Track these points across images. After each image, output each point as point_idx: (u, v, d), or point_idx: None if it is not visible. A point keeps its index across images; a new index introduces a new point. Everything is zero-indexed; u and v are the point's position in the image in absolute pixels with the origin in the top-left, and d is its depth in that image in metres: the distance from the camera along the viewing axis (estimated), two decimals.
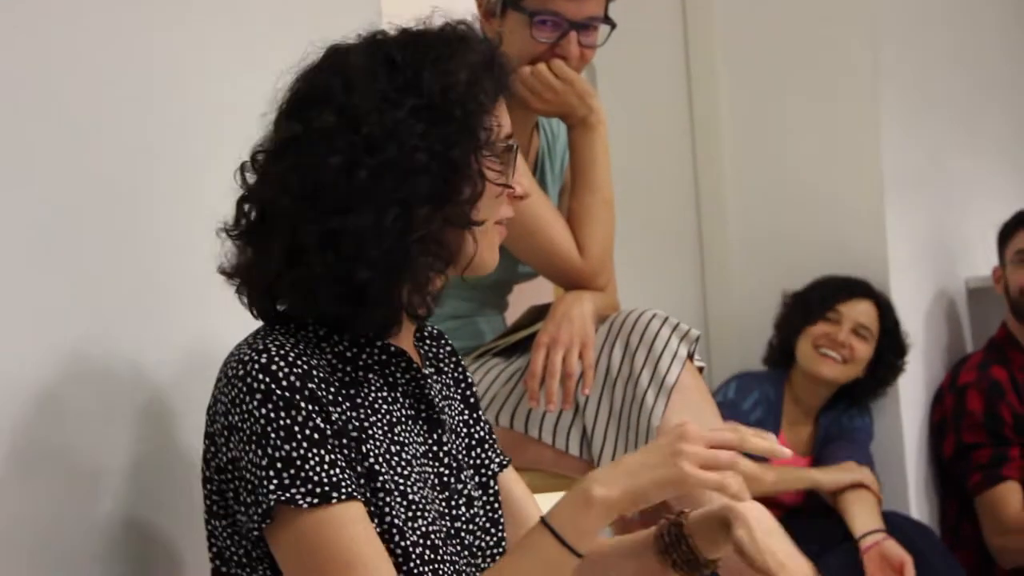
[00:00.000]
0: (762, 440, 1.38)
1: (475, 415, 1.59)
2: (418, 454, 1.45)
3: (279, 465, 1.31)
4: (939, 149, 3.68)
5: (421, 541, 1.40)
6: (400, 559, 1.37)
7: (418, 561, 1.39)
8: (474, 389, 1.61)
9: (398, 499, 1.39)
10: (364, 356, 1.43)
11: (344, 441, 1.35)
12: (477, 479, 1.54)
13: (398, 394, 1.45)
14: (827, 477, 3.08)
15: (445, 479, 1.48)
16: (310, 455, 1.32)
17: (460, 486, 1.49)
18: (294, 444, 1.31)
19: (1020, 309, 3.44)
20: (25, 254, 1.47)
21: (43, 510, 1.48)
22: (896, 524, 2.99)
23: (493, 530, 1.53)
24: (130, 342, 1.63)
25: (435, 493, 1.45)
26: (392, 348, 1.44)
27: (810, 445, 3.26)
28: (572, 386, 1.97)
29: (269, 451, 1.31)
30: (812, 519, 3.07)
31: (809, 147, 3.50)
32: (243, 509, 1.35)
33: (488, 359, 2.11)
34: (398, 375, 1.45)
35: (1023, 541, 3.24)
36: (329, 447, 1.33)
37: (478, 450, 1.57)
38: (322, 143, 1.35)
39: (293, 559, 1.33)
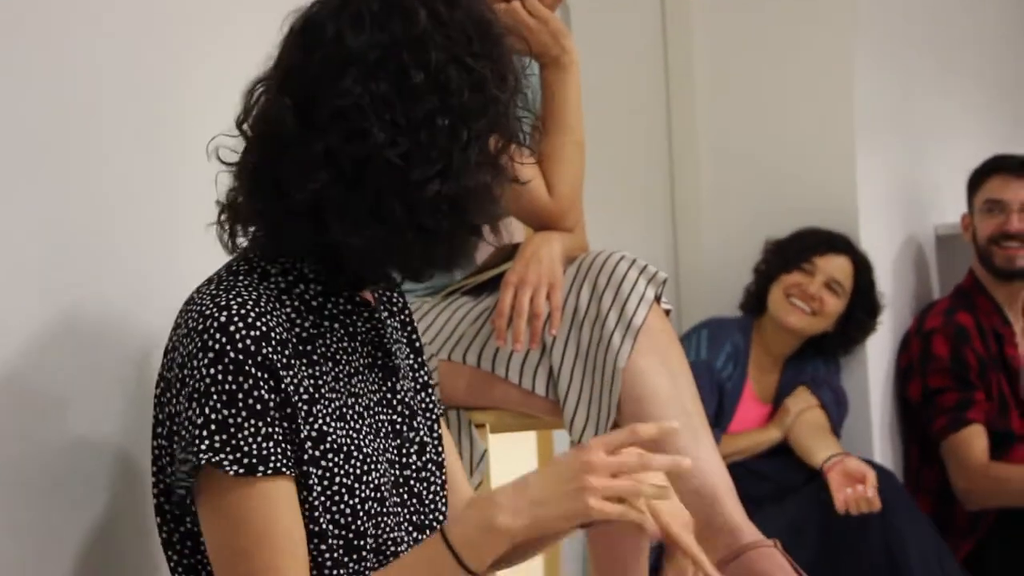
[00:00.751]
0: (664, 458, 1.39)
1: (419, 360, 1.60)
2: (371, 403, 1.46)
3: (213, 427, 1.32)
4: (912, 93, 3.69)
5: (372, 495, 1.41)
6: (349, 518, 1.39)
7: (365, 517, 1.40)
8: (418, 334, 1.62)
9: (354, 453, 1.40)
10: (329, 305, 1.43)
11: (288, 411, 1.35)
12: (427, 423, 1.55)
13: (357, 343, 1.46)
14: (777, 428, 3.14)
15: (397, 427, 1.49)
16: (247, 424, 1.32)
17: (412, 433, 1.50)
18: (234, 411, 1.32)
19: (987, 257, 3.47)
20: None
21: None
22: None
23: (439, 472, 1.54)
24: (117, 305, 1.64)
25: (387, 442, 1.47)
26: (357, 299, 1.45)
27: (774, 392, 3.29)
28: (539, 326, 1.97)
29: (207, 412, 1.32)
30: (772, 459, 3.13)
31: (782, 91, 3.50)
32: (176, 461, 1.37)
33: (457, 298, 2.11)
34: (359, 324, 1.46)
35: (988, 484, 3.28)
36: (268, 419, 1.33)
37: (422, 394, 1.57)
38: (419, 103, 1.33)
39: (212, 523, 1.35)
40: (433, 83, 1.33)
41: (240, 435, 1.32)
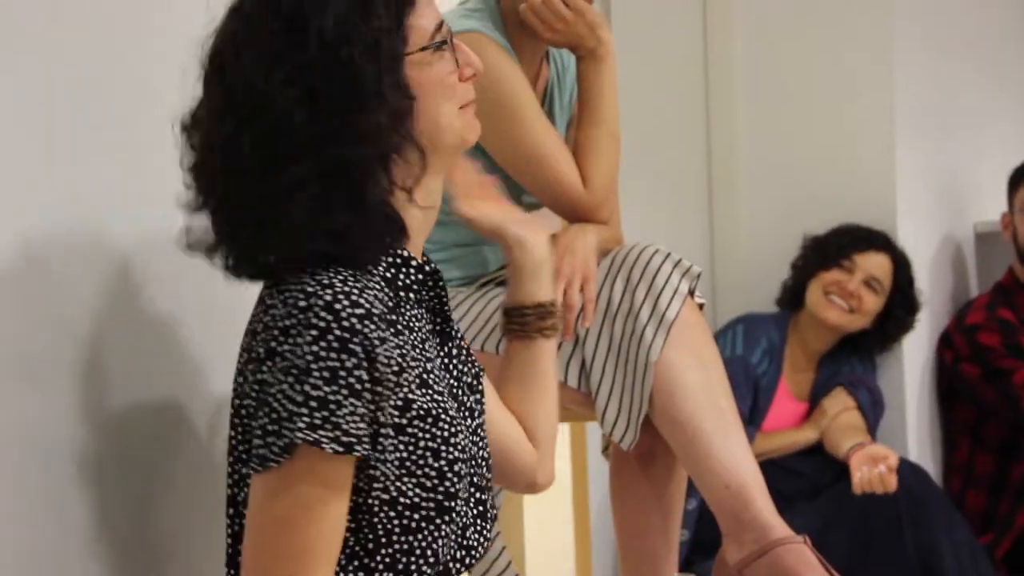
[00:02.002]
0: None
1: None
2: (437, 368, 1.48)
3: (314, 404, 1.32)
4: (953, 91, 3.66)
5: (460, 455, 1.44)
6: (435, 480, 1.41)
7: (455, 479, 1.42)
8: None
9: (442, 416, 1.42)
10: (402, 276, 1.46)
11: (378, 390, 1.36)
12: (474, 383, 1.58)
13: (423, 310, 1.49)
14: (813, 429, 3.14)
15: (455, 391, 1.52)
16: (347, 403, 1.33)
17: (465, 398, 1.54)
18: (334, 388, 1.32)
19: None
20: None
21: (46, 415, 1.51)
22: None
23: (484, 433, 1.57)
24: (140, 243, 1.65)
25: (451, 406, 1.48)
26: (427, 268, 1.49)
27: (810, 391, 3.28)
28: (572, 318, 1.97)
29: (307, 388, 1.32)
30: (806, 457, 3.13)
31: (822, 86, 3.48)
32: (260, 434, 1.35)
33: (491, 288, 2.12)
34: (423, 292, 1.49)
35: None
36: (364, 399, 1.34)
37: (464, 357, 1.60)
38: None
39: (273, 503, 1.34)
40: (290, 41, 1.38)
41: (340, 413, 1.32)
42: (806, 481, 3.10)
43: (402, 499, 1.40)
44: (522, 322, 1.71)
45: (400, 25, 1.43)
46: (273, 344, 1.35)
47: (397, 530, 1.40)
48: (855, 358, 3.33)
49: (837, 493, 3.01)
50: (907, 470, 3.01)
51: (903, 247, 3.33)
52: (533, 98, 2.10)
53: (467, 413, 1.53)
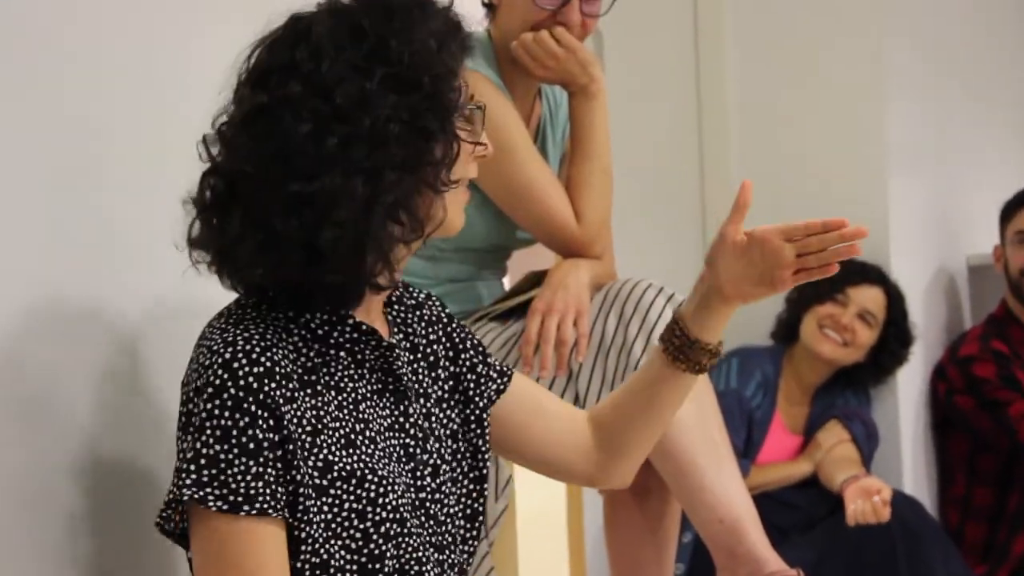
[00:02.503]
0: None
1: (460, 357, 1.60)
2: (383, 428, 1.47)
3: (203, 461, 1.33)
4: (945, 124, 3.68)
5: (390, 516, 1.42)
6: (360, 542, 1.40)
7: (381, 540, 1.41)
8: (461, 327, 1.62)
9: (368, 477, 1.41)
10: (335, 334, 1.44)
11: (288, 448, 1.36)
12: (468, 414, 1.57)
13: (365, 370, 1.47)
14: (808, 462, 3.14)
15: (411, 450, 1.50)
16: (237, 462, 1.33)
17: (426, 456, 1.51)
18: (226, 447, 1.33)
19: (1019, 289, 3.45)
20: None
21: (11, 458, 1.50)
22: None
23: (454, 487, 1.55)
24: (98, 293, 1.64)
25: (400, 466, 1.47)
26: (364, 327, 1.45)
27: (804, 423, 3.29)
28: (566, 353, 1.98)
29: (198, 445, 1.33)
30: (801, 490, 3.13)
31: (814, 119, 3.50)
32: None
33: (484, 323, 2.13)
34: (367, 352, 1.47)
35: None
36: (262, 460, 1.34)
37: (472, 375, 1.59)
38: (288, 111, 1.35)
39: (200, 557, 1.36)
40: (310, 93, 1.35)
41: (229, 472, 1.33)
42: (801, 514, 3.10)
43: (332, 562, 1.39)
44: (693, 354, 1.62)
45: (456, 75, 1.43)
46: (187, 405, 1.37)
47: None
48: (849, 391, 3.34)
49: (832, 526, 3.00)
50: (902, 502, 3.01)
51: (896, 279, 3.34)
52: (526, 135, 2.11)
53: (428, 472, 1.51)
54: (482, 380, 1.60)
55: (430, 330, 1.59)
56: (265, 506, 1.34)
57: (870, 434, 3.23)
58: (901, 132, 3.45)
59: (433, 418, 1.55)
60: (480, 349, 1.62)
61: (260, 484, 1.34)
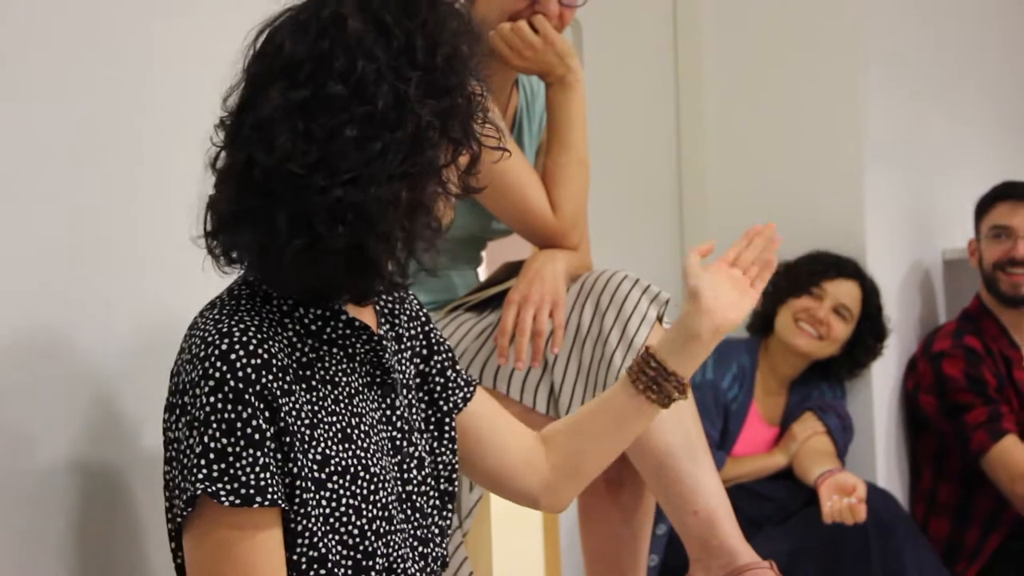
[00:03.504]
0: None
1: (433, 357, 1.60)
2: (374, 422, 1.47)
3: (212, 456, 1.32)
4: (920, 119, 3.69)
5: (381, 513, 1.42)
6: (357, 539, 1.40)
7: (373, 537, 1.41)
8: (436, 330, 1.62)
9: (360, 474, 1.41)
10: (328, 329, 1.44)
11: (285, 441, 1.36)
12: (430, 414, 1.56)
13: (356, 363, 1.47)
14: (783, 454, 3.15)
15: (398, 443, 1.50)
16: (245, 454, 1.33)
17: (411, 448, 1.51)
18: (231, 439, 1.33)
19: (993, 283, 3.47)
20: None
21: None
22: None
23: (437, 483, 1.55)
24: (81, 323, 1.63)
25: (389, 459, 1.47)
26: (356, 323, 1.45)
27: (781, 415, 3.30)
28: (541, 344, 1.98)
29: (206, 440, 1.32)
30: (776, 482, 3.14)
31: (791, 114, 3.51)
32: (171, 489, 1.37)
33: (460, 314, 2.12)
34: (358, 346, 1.46)
35: None
36: (266, 450, 1.34)
37: (440, 378, 1.58)
38: (332, 113, 1.32)
39: (199, 552, 1.35)
40: (352, 94, 1.33)
41: (239, 464, 1.33)
42: (776, 505, 3.11)
43: (329, 556, 1.39)
44: (662, 387, 1.62)
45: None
46: (177, 398, 1.36)
47: None
48: (825, 383, 3.35)
49: (806, 518, 3.01)
50: (875, 495, 3.02)
51: (872, 273, 3.35)
52: (503, 125, 2.11)
53: (414, 464, 1.51)
54: (450, 385, 1.60)
55: (411, 324, 1.60)
56: (275, 496, 1.34)
57: (845, 426, 3.24)
58: (877, 128, 3.46)
59: (414, 409, 1.55)
60: (451, 355, 1.62)
61: (267, 475, 1.34)
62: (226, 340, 1.34)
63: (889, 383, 3.49)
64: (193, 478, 1.33)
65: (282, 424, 1.35)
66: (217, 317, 1.38)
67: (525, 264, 2.07)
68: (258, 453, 1.33)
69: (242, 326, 1.36)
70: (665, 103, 3.61)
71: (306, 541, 1.38)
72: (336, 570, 1.39)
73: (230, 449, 1.33)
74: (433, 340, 1.61)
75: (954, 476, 3.43)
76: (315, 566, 1.38)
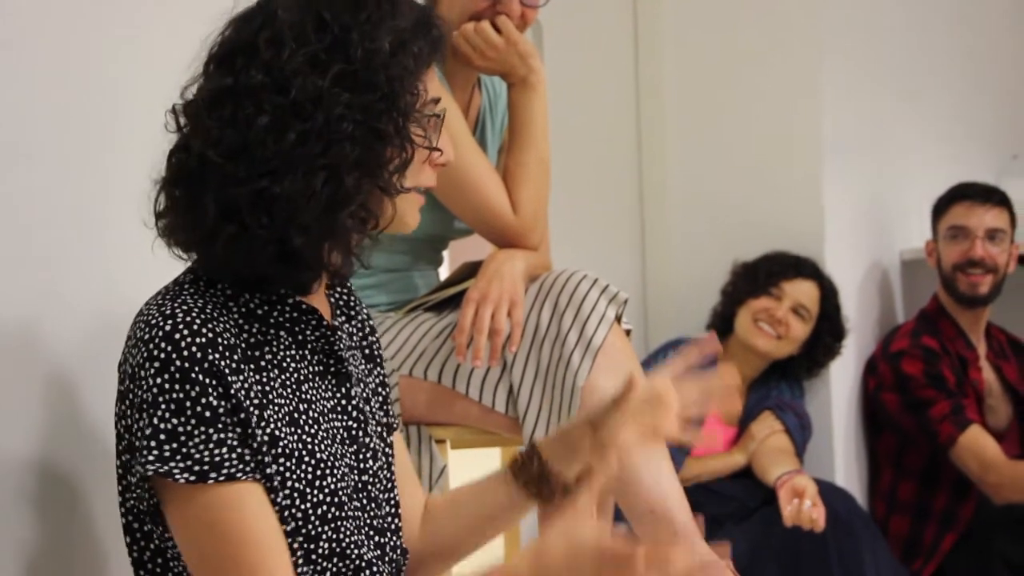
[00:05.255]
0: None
1: (371, 366, 1.61)
2: (326, 410, 1.47)
3: (162, 437, 1.32)
4: (879, 119, 3.72)
5: (327, 499, 1.42)
6: (300, 522, 1.40)
7: (318, 522, 1.41)
8: (378, 341, 1.63)
9: (305, 458, 1.41)
10: (275, 313, 1.44)
11: (241, 417, 1.36)
12: (377, 429, 1.57)
13: (307, 351, 1.47)
14: (742, 453, 3.17)
15: (353, 432, 1.50)
16: (196, 432, 1.32)
17: (367, 439, 1.52)
18: (182, 419, 1.32)
19: (952, 284, 3.50)
20: None
21: None
22: (819, 490, 3.04)
23: (391, 475, 1.56)
24: (30, 308, 1.62)
25: (343, 448, 1.47)
26: (304, 306, 1.45)
27: (739, 416, 3.31)
28: (499, 343, 1.98)
29: (155, 421, 1.32)
30: (735, 481, 3.15)
31: (750, 114, 3.53)
32: (128, 475, 1.37)
33: (419, 313, 2.12)
34: (308, 332, 1.46)
35: (1013, 469, 3.29)
36: (220, 426, 1.34)
37: (373, 401, 1.59)
38: (251, 101, 1.35)
39: (185, 535, 1.35)
40: (270, 84, 1.35)
41: (191, 443, 1.32)
42: (735, 504, 3.12)
43: (288, 533, 1.39)
44: (549, 490, 1.58)
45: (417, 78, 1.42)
46: (126, 383, 1.36)
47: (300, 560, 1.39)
48: (784, 383, 3.37)
49: (765, 516, 3.03)
50: (833, 494, 3.04)
51: (830, 274, 3.38)
52: (464, 125, 2.11)
53: (369, 455, 1.51)
54: (388, 404, 1.61)
55: (363, 327, 1.61)
56: (233, 470, 1.33)
57: (803, 424, 3.26)
58: (835, 128, 3.49)
59: (371, 405, 1.55)
60: (389, 388, 1.64)
61: (224, 450, 1.33)
62: (169, 321, 1.34)
63: (848, 383, 3.52)
64: (144, 459, 1.32)
65: (235, 400, 1.35)
66: (160, 302, 1.38)
67: (484, 263, 2.07)
68: (210, 430, 1.33)
69: (185, 307, 1.36)
70: (626, 104, 3.62)
71: (278, 516, 1.38)
72: (292, 545, 1.39)
73: (181, 428, 1.32)
74: (379, 353, 1.62)
75: (914, 474, 3.46)
76: (289, 539, 1.39)
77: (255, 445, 1.36)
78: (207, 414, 1.33)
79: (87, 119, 1.73)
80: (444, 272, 2.35)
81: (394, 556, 1.53)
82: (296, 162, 1.34)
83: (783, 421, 3.21)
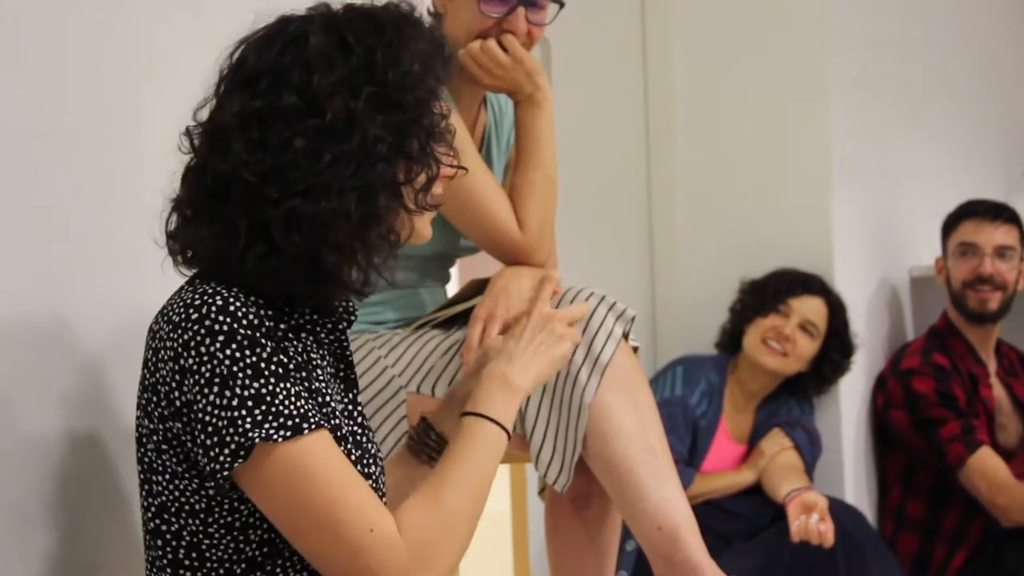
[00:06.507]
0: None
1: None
2: (339, 412, 1.49)
3: (251, 403, 1.34)
4: (887, 137, 3.72)
5: (373, 485, 1.46)
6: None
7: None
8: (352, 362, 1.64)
9: (348, 439, 1.45)
10: (296, 315, 1.47)
11: (304, 374, 1.40)
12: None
13: (324, 352, 1.50)
14: (751, 470, 3.16)
15: (358, 438, 1.52)
16: (278, 389, 1.35)
17: (370, 446, 1.53)
18: (262, 381, 1.34)
19: (961, 301, 3.49)
20: None
21: None
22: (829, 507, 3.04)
23: (385, 490, 1.57)
24: (57, 308, 1.64)
25: (355, 451, 1.49)
26: (320, 307, 1.48)
27: (749, 432, 3.31)
28: None
29: (238, 390, 1.34)
30: (744, 498, 3.15)
31: (759, 131, 3.53)
32: (202, 452, 1.36)
33: (427, 330, 2.12)
34: (322, 335, 1.49)
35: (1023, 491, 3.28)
36: (293, 379, 1.37)
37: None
38: (284, 123, 1.37)
39: (278, 494, 1.36)
40: (305, 106, 1.38)
41: (276, 400, 1.35)
42: (744, 522, 3.12)
43: None
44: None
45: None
46: (180, 363, 1.36)
47: None
48: (793, 400, 3.36)
49: (775, 534, 3.03)
50: (843, 512, 3.04)
51: (839, 291, 3.37)
52: (471, 143, 2.12)
53: (372, 460, 1.53)
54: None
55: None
56: (317, 417, 1.37)
57: (813, 441, 3.26)
58: (844, 145, 3.49)
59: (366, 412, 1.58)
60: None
61: (302, 401, 1.37)
62: (218, 297, 1.37)
63: (857, 399, 3.51)
64: (241, 429, 1.33)
65: (295, 361, 1.39)
66: (194, 288, 1.40)
67: (491, 281, 2.07)
68: (287, 384, 1.36)
69: (223, 288, 1.39)
70: (634, 121, 3.62)
71: None
72: None
73: (264, 390, 1.34)
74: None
75: (923, 492, 3.45)
76: None
77: (318, 399, 1.40)
78: (280, 371, 1.36)
79: (113, 108, 1.75)
80: (452, 289, 2.35)
81: None
82: (330, 183, 1.37)
83: (793, 438, 3.20)
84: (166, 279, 1.49)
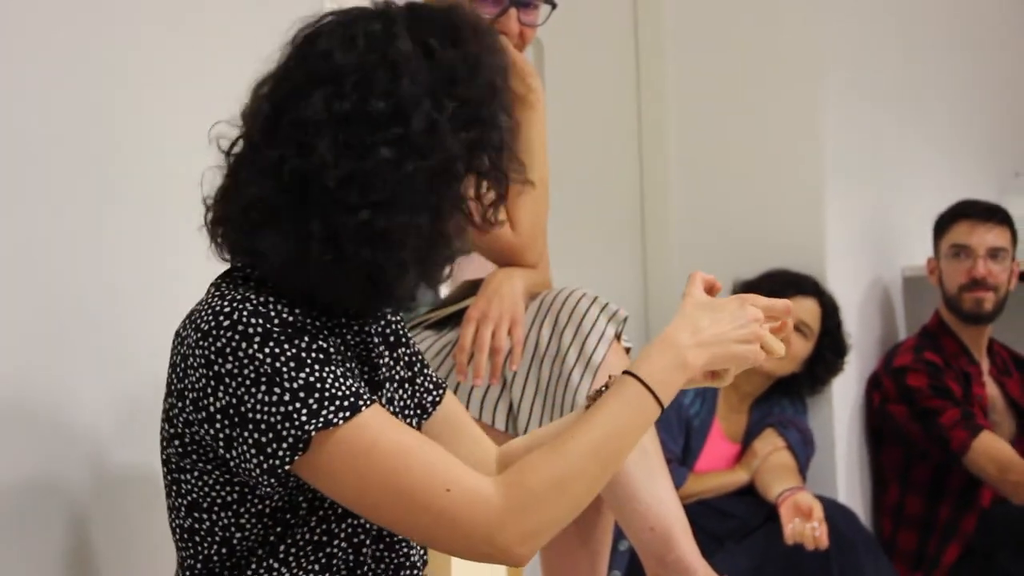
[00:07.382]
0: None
1: (399, 350, 1.59)
2: None
3: (303, 394, 1.32)
4: (880, 136, 3.73)
5: None
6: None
7: None
8: (401, 324, 1.61)
9: None
10: (324, 317, 1.43)
11: (341, 359, 1.38)
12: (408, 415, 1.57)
13: (350, 354, 1.47)
14: (744, 470, 3.17)
15: None
16: (325, 374, 1.33)
17: None
18: (307, 370, 1.33)
19: (957, 304, 3.49)
20: None
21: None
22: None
23: None
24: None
25: None
26: (340, 319, 1.46)
27: (743, 432, 3.31)
28: (500, 361, 1.98)
29: (287, 384, 1.32)
30: (737, 498, 3.15)
31: (752, 131, 3.53)
32: (252, 452, 1.33)
33: (419, 331, 2.13)
34: (349, 338, 1.47)
35: None
36: (335, 362, 1.35)
37: (401, 392, 1.58)
38: (370, 129, 1.33)
39: (345, 476, 1.34)
40: (392, 113, 1.34)
41: (326, 385, 1.33)
42: (737, 522, 3.12)
43: None
44: None
45: None
46: (215, 369, 1.34)
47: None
48: (786, 400, 3.37)
49: (767, 534, 3.03)
50: (836, 511, 3.04)
51: (832, 290, 3.38)
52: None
53: None
54: (419, 390, 1.60)
55: (390, 321, 1.59)
56: (369, 396, 1.35)
57: (806, 441, 3.26)
58: (837, 145, 3.49)
59: (395, 402, 1.55)
60: (421, 357, 1.62)
61: (351, 380, 1.35)
62: (248, 302, 1.34)
63: (850, 399, 3.52)
64: (298, 423, 1.31)
65: (332, 349, 1.36)
66: (221, 294, 1.37)
67: (484, 282, 2.08)
68: (332, 367, 1.34)
69: (251, 293, 1.36)
70: (627, 122, 3.63)
71: None
72: (343, 523, 1.43)
73: (312, 379, 1.32)
74: (408, 341, 1.61)
75: (921, 488, 3.45)
76: None
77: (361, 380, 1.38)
78: (323, 356, 1.34)
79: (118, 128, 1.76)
80: (444, 290, 2.35)
81: (420, 567, 1.54)
82: (406, 197, 1.34)
83: (786, 438, 3.21)
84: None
